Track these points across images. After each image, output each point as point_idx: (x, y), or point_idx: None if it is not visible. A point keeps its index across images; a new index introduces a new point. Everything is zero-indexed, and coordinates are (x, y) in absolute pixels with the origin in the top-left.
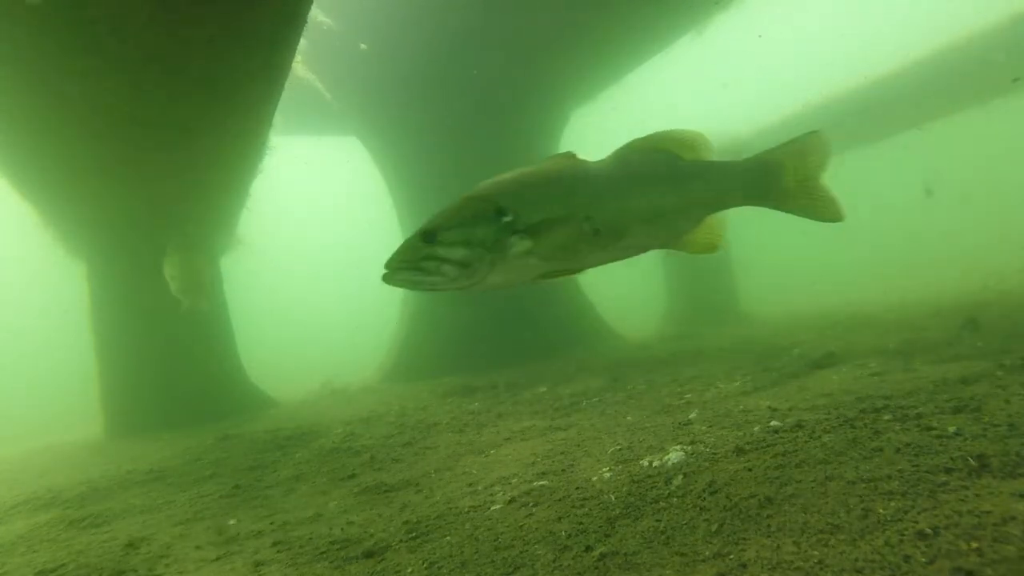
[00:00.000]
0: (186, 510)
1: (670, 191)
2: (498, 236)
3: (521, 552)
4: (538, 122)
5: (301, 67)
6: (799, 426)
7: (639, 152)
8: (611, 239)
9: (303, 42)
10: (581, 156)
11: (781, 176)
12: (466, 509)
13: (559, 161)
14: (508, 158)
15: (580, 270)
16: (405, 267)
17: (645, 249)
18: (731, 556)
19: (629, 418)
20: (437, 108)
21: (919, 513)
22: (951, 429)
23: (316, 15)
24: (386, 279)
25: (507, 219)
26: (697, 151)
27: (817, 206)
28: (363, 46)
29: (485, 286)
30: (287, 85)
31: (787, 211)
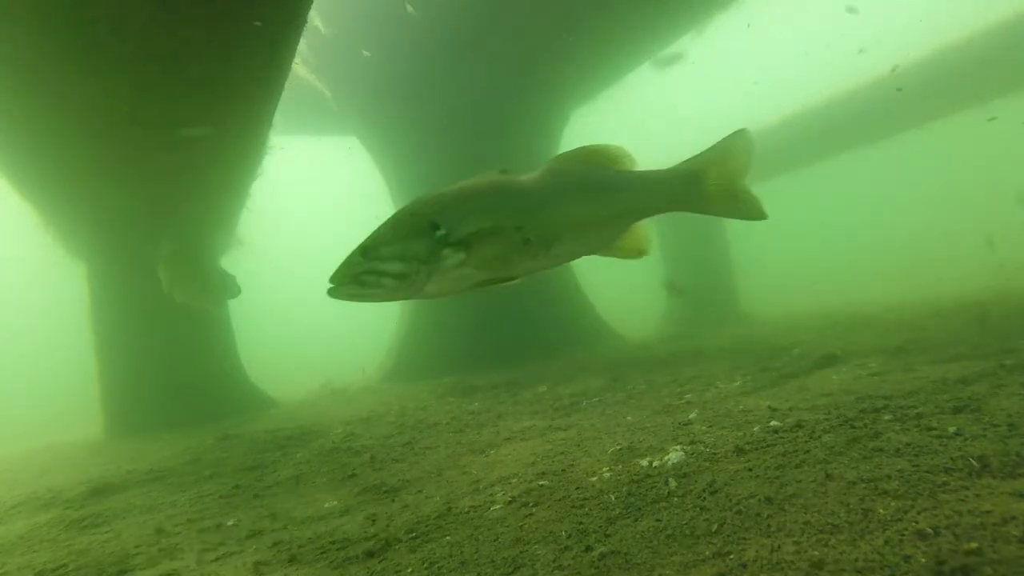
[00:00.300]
0: (186, 510)
1: (597, 201)
2: (432, 249)
3: (521, 552)
4: (538, 122)
5: (301, 67)
6: (799, 426)
7: (567, 165)
8: (541, 248)
9: (303, 42)
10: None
11: (703, 182)
12: (466, 509)
13: (491, 176)
14: (508, 158)
15: (515, 278)
16: (347, 281)
17: (576, 256)
18: (731, 556)
19: (629, 418)
20: (437, 108)
21: (919, 513)
22: (951, 429)
23: (315, 18)
24: (331, 293)
25: (440, 233)
26: (622, 163)
27: (739, 207)
28: (366, 53)
29: (425, 295)
30: (287, 85)
31: (711, 214)
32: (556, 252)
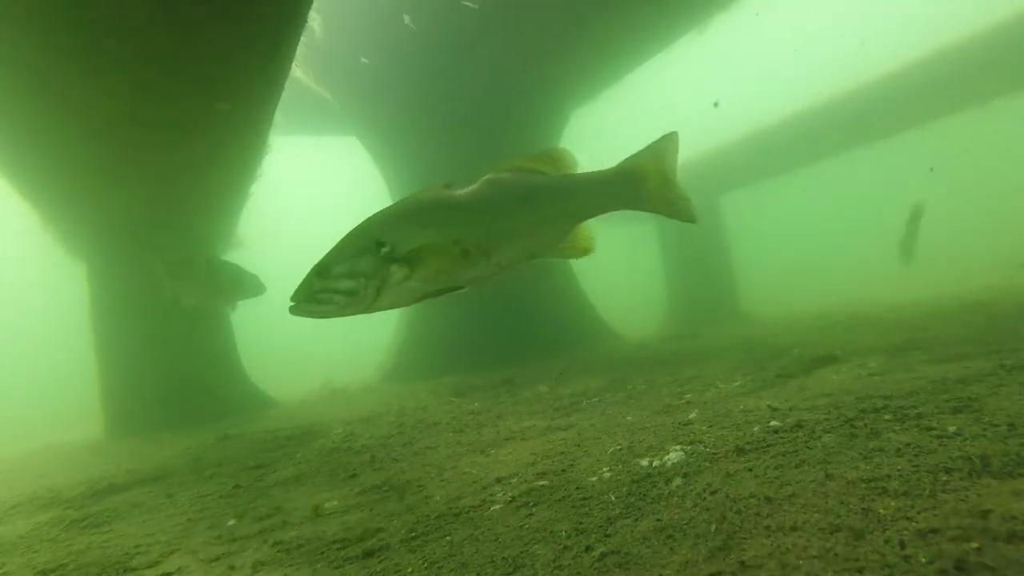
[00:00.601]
0: (186, 510)
1: (533, 208)
2: (378, 266)
3: (521, 552)
4: (538, 122)
5: (301, 68)
6: (799, 426)
7: (504, 175)
8: (482, 258)
9: (303, 43)
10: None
11: (644, 182)
12: (466, 509)
13: (431, 191)
14: (507, 158)
15: (461, 288)
16: (304, 300)
17: (519, 262)
18: (731, 556)
19: (629, 418)
20: (437, 108)
21: (919, 513)
22: (951, 429)
23: (315, 19)
24: (291, 311)
25: (385, 250)
26: (563, 166)
27: (675, 207)
28: (364, 60)
29: (376, 308)
30: (287, 85)
31: (649, 211)
32: (497, 260)
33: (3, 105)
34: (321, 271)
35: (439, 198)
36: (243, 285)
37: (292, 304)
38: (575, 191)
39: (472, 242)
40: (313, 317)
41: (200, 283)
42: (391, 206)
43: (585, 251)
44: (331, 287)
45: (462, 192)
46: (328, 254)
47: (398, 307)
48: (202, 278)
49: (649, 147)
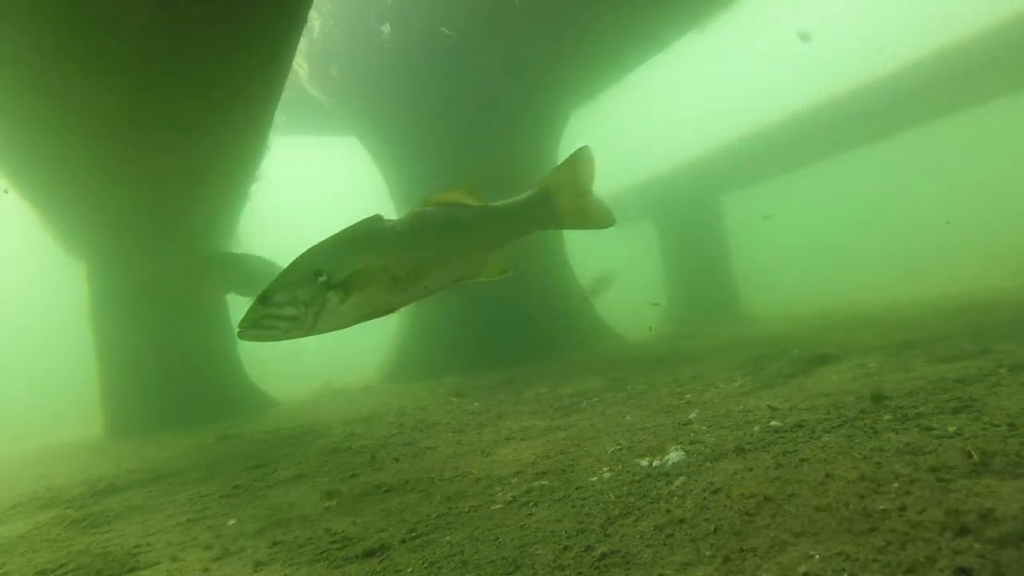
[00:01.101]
0: (186, 510)
1: (456, 237)
2: (316, 293)
3: (521, 552)
4: (538, 122)
5: (301, 67)
6: (799, 426)
7: (430, 207)
8: (410, 283)
9: (303, 43)
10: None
11: (554, 202)
12: (466, 509)
13: (364, 223)
14: (508, 158)
15: (394, 310)
16: (250, 326)
17: (446, 285)
18: (732, 555)
19: (629, 418)
20: (437, 108)
21: (919, 513)
22: (951, 429)
23: (314, 19)
24: (239, 335)
25: (322, 279)
26: (480, 198)
27: (592, 217)
28: (385, 28)
29: (317, 331)
30: (287, 85)
31: (568, 228)
32: (426, 284)
33: (3, 105)
34: (265, 299)
35: (371, 229)
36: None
37: (239, 329)
38: (492, 220)
39: (401, 269)
40: (259, 341)
41: (232, 278)
42: (328, 238)
43: (504, 272)
44: (274, 314)
45: (391, 223)
46: (272, 283)
47: (337, 329)
48: (235, 273)
49: (559, 166)
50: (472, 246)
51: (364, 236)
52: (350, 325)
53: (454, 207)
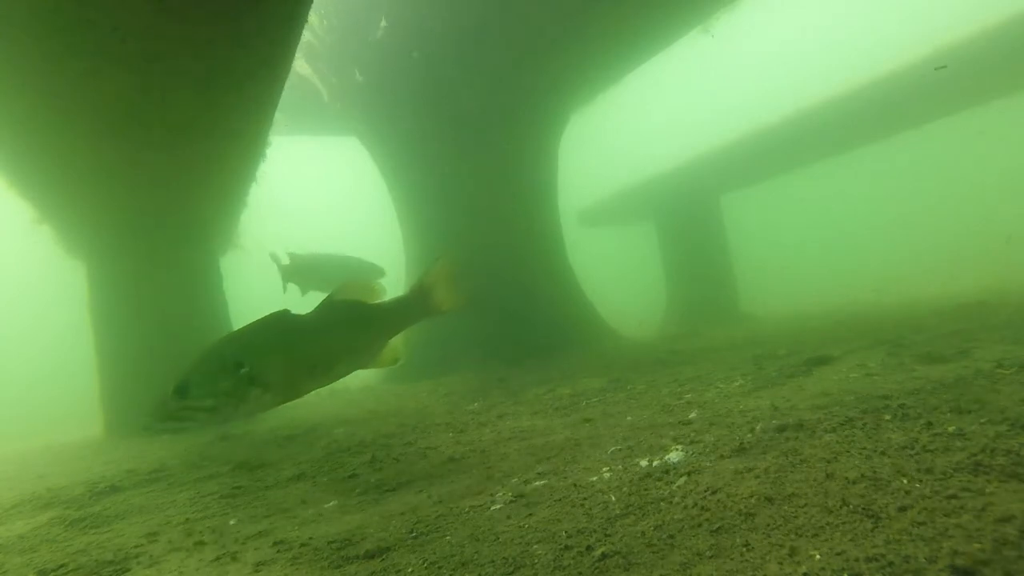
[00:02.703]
0: (186, 510)
1: (360, 331)
2: (238, 385)
3: (521, 552)
4: (538, 123)
5: (302, 66)
6: (799, 426)
7: (336, 304)
8: (323, 372)
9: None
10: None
11: (429, 298)
12: (466, 509)
13: (278, 315)
14: (507, 158)
15: (303, 395)
16: (163, 419)
17: (349, 372)
18: (732, 556)
19: (629, 418)
20: (437, 108)
21: (919, 513)
22: (951, 429)
23: (313, 19)
24: (148, 430)
25: (244, 370)
26: (375, 295)
27: (457, 300)
28: (383, 24)
29: (234, 419)
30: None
31: (443, 314)
32: (336, 372)
33: (3, 105)
34: (180, 392)
35: (289, 321)
36: (363, 275)
37: (147, 424)
38: (386, 316)
39: (319, 360)
40: (171, 434)
41: (321, 276)
42: (246, 330)
43: (395, 360)
44: (192, 406)
45: (307, 316)
46: (188, 373)
47: (251, 416)
48: (324, 271)
49: (430, 270)
50: (375, 338)
51: (285, 328)
52: (264, 411)
53: (356, 304)
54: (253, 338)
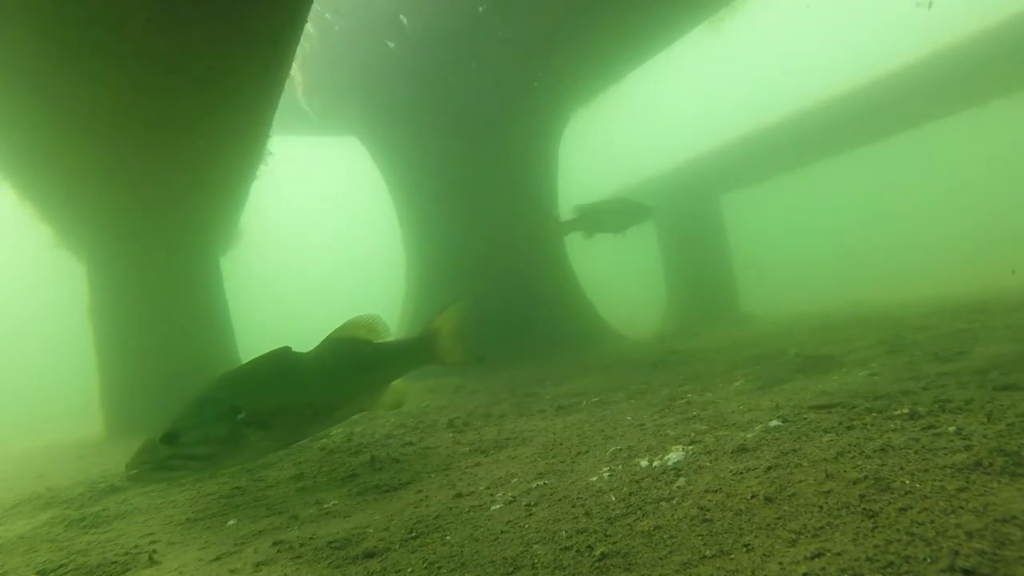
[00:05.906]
0: (186, 510)
1: (364, 372)
2: (234, 430)
3: (521, 552)
4: (538, 122)
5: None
6: (799, 425)
7: (339, 342)
8: (326, 416)
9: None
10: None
11: (436, 343)
12: (466, 509)
13: (279, 355)
14: (507, 158)
15: (303, 439)
16: (151, 467)
17: (351, 415)
18: (732, 556)
19: (629, 418)
20: (437, 108)
21: (919, 512)
22: (951, 428)
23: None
24: (133, 480)
25: (241, 416)
26: (378, 333)
27: (463, 355)
28: (391, 44)
29: (228, 466)
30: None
31: (447, 364)
32: (337, 415)
33: (3, 105)
34: (171, 437)
35: (289, 361)
36: (634, 215)
37: (134, 472)
38: (391, 356)
39: (320, 403)
40: (160, 484)
41: (606, 219)
42: (241, 371)
43: (398, 405)
44: (184, 453)
45: (307, 356)
46: (177, 419)
47: (248, 463)
48: (606, 214)
49: (440, 316)
50: (378, 380)
51: (285, 370)
52: (262, 458)
53: (360, 342)
54: (251, 380)
